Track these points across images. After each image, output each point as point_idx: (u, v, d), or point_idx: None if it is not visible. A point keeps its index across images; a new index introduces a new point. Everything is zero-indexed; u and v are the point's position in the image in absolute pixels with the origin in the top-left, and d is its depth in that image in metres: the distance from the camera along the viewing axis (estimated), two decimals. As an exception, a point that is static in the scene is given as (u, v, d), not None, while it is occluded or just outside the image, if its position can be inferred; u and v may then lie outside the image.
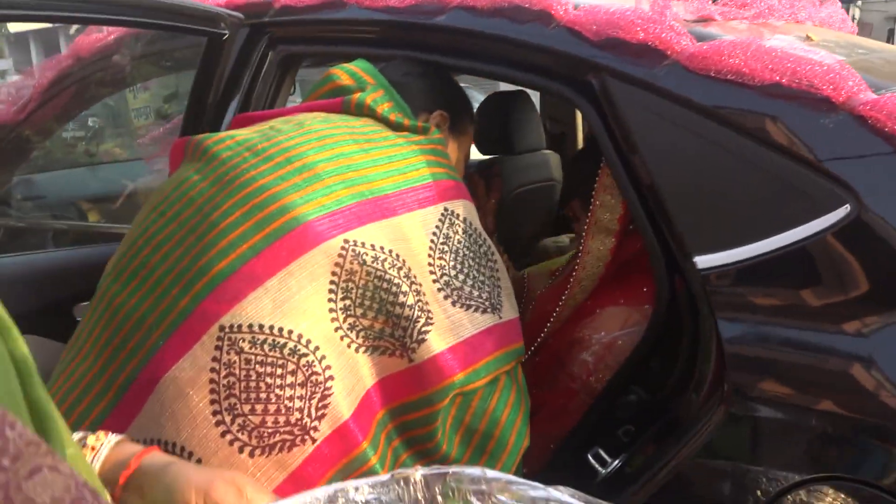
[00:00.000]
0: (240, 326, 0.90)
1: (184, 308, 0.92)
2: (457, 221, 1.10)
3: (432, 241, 1.05)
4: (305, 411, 0.90)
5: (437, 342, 0.99)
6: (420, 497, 0.59)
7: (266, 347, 0.89)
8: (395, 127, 1.15)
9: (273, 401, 0.89)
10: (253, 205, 0.95)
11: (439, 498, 0.59)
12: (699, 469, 0.99)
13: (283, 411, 0.89)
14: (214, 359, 0.89)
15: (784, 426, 0.94)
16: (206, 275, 0.92)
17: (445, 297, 1.03)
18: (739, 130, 0.99)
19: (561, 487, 0.58)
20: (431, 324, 0.99)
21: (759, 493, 0.94)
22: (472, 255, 1.10)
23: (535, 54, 1.19)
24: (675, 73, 1.04)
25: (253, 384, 0.89)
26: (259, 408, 0.89)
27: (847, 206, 0.92)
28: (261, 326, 0.90)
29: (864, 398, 0.89)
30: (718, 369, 0.99)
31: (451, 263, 1.06)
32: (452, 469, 0.59)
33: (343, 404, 0.93)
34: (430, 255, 1.04)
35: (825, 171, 0.94)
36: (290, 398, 0.90)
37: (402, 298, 0.96)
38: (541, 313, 1.44)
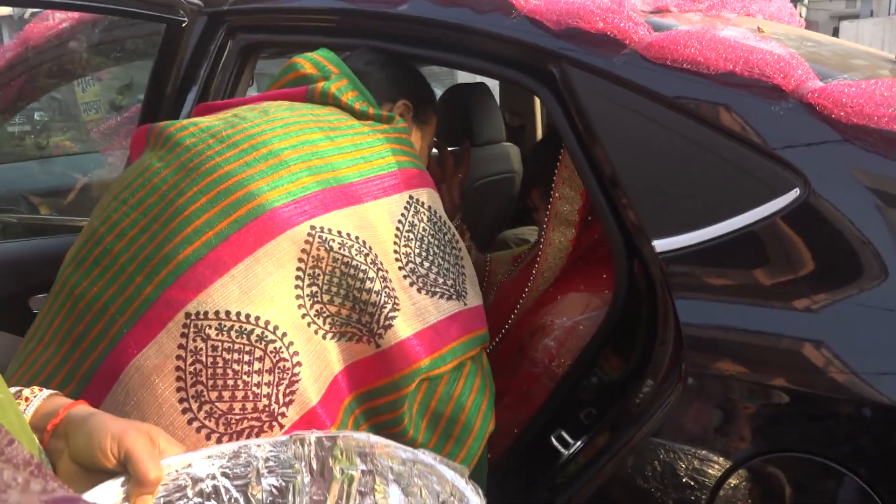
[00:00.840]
0: (206, 313, 0.89)
1: (148, 295, 0.91)
2: (421, 209, 1.11)
3: (398, 228, 1.06)
4: (273, 397, 0.90)
5: (403, 328, 1.00)
6: (313, 455, 0.67)
7: (233, 334, 0.89)
8: (360, 116, 1.15)
9: (240, 387, 0.89)
10: (218, 191, 0.95)
11: (329, 459, 0.67)
12: (658, 448, 1.01)
13: (251, 398, 0.89)
14: (181, 346, 0.89)
15: (738, 404, 0.98)
16: (172, 262, 0.92)
17: (411, 284, 1.04)
18: (695, 117, 1.02)
19: (426, 451, 0.69)
20: (398, 310, 1.00)
21: (715, 468, 0.97)
22: (436, 242, 1.11)
23: (496, 44, 1.20)
24: (632, 62, 1.07)
25: (220, 371, 0.88)
26: (226, 395, 0.89)
27: (797, 189, 0.96)
28: (227, 313, 0.90)
29: (814, 375, 0.93)
30: (676, 351, 1.02)
31: (417, 251, 1.07)
32: (343, 433, 0.69)
33: (311, 390, 0.94)
34: (395, 243, 1.05)
35: (776, 157, 0.97)
36: (258, 384, 0.90)
37: (368, 285, 0.97)
38: (504, 303, 1.46)
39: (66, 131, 2.78)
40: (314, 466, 0.67)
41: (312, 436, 0.68)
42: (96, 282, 0.95)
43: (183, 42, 1.47)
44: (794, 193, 0.96)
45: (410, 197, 1.10)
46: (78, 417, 0.62)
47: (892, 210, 0.93)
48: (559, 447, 1.16)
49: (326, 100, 1.15)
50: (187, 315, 0.90)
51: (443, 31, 1.26)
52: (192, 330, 0.89)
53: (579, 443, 1.15)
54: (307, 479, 0.67)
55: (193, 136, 1.02)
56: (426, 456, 0.69)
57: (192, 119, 1.09)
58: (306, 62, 1.22)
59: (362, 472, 0.68)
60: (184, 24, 1.44)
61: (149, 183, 0.99)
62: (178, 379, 0.88)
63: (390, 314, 0.99)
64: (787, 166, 0.97)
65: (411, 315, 1.02)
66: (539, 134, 2.74)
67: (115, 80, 2.39)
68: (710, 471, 0.98)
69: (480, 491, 0.68)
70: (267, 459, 0.66)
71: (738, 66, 1.01)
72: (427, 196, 1.13)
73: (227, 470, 0.64)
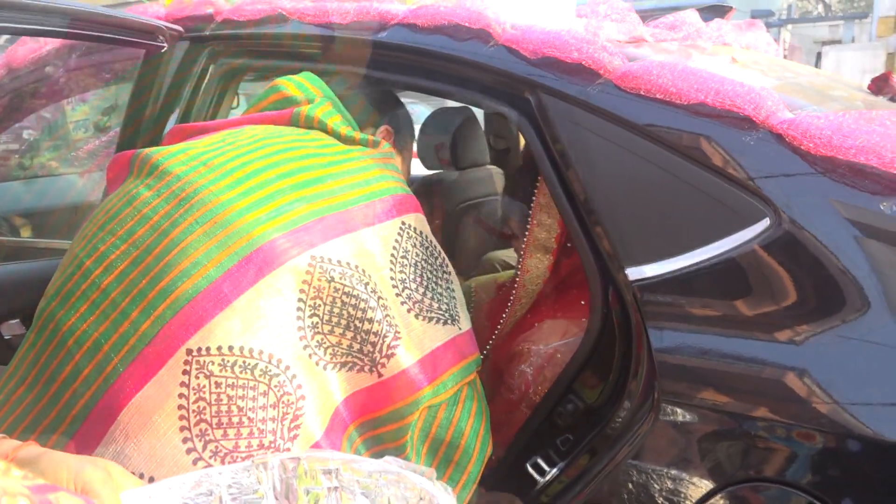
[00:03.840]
0: (208, 349, 0.87)
1: (146, 331, 0.88)
2: (413, 234, 1.10)
3: (393, 255, 1.05)
4: (278, 433, 0.89)
5: (405, 357, 1.00)
6: (277, 478, 0.67)
7: (237, 370, 0.87)
8: (346, 140, 1.14)
9: (245, 424, 0.87)
10: (216, 222, 0.92)
11: (294, 480, 0.68)
12: (631, 475, 1.01)
13: (256, 434, 0.88)
14: (183, 384, 0.86)
15: (710, 432, 0.98)
16: (169, 296, 0.89)
17: (409, 311, 1.04)
18: (667, 147, 1.03)
19: (389, 458, 0.69)
20: (399, 338, 1.00)
21: (687, 496, 0.97)
22: (429, 267, 1.11)
23: (474, 71, 1.22)
24: (607, 91, 1.08)
25: (224, 408, 0.86)
26: (231, 432, 0.87)
27: (767, 219, 0.97)
28: (230, 348, 0.87)
29: (785, 402, 0.93)
30: (649, 378, 1.02)
31: (412, 276, 1.06)
32: (306, 453, 0.69)
33: (315, 423, 0.92)
34: (391, 269, 1.04)
35: (747, 187, 0.98)
36: (263, 420, 0.88)
37: (370, 314, 0.96)
38: (481, 328, 1.46)
39: (54, 150, 2.77)
40: (278, 488, 0.67)
41: (275, 459, 0.68)
42: (86, 317, 0.91)
43: (162, 67, 1.48)
44: (764, 223, 0.97)
45: (403, 223, 1.09)
46: (29, 457, 0.61)
47: (862, 240, 0.94)
48: (535, 474, 1.15)
49: (311, 124, 1.14)
50: (188, 351, 0.87)
51: (422, 58, 1.27)
52: (194, 366, 0.87)
53: (555, 470, 1.14)
54: (272, 502, 0.67)
55: (183, 164, 0.99)
56: (392, 465, 0.69)
57: (180, 145, 1.07)
58: (290, 84, 1.22)
59: (328, 489, 0.68)
60: (163, 50, 1.44)
61: (138, 213, 0.96)
62: (182, 418, 0.86)
63: (392, 343, 0.98)
64: (758, 196, 0.98)
65: (412, 343, 1.02)
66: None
67: (101, 101, 2.40)
68: (682, 500, 0.98)
69: (450, 489, 0.68)
70: (230, 486, 0.66)
71: (710, 97, 1.02)
72: (416, 220, 1.13)
73: (189, 500, 0.64)
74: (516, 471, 1.19)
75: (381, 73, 1.34)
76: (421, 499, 0.68)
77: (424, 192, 2.33)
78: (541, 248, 1.32)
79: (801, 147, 0.97)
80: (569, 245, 1.36)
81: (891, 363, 0.90)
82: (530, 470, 1.16)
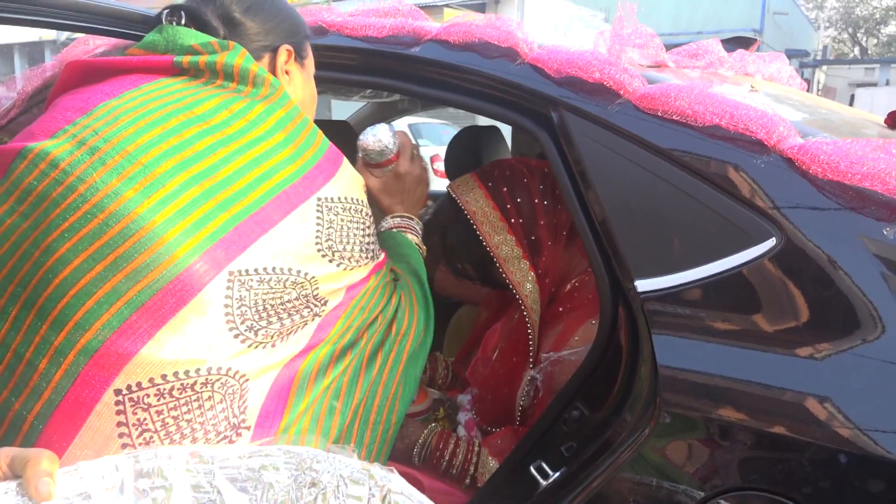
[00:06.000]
0: (139, 384, 0.82)
1: (60, 383, 0.81)
2: (333, 205, 1.03)
3: (318, 233, 1.00)
4: (231, 413, 0.89)
5: (333, 299, 1.01)
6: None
7: (175, 393, 0.83)
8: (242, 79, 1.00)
9: (198, 429, 0.85)
10: (118, 255, 0.82)
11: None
12: (628, 483, 1.05)
13: (211, 429, 0.87)
14: (120, 423, 0.81)
15: (711, 443, 1.01)
16: (78, 342, 0.81)
17: (338, 265, 1.02)
18: (682, 166, 1.08)
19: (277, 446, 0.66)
20: (335, 290, 1.01)
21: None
22: (354, 225, 1.06)
23: (500, 87, 1.28)
24: (626, 111, 1.13)
25: (173, 428, 0.83)
26: (186, 442, 0.85)
27: (773, 239, 1.01)
28: (164, 377, 0.83)
29: (784, 415, 0.96)
30: (652, 389, 1.05)
31: (338, 239, 1.02)
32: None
33: (261, 391, 0.92)
34: (318, 244, 0.99)
35: (756, 207, 1.03)
36: (214, 416, 0.87)
37: (294, 298, 0.95)
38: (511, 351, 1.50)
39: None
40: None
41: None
42: None
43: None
44: (770, 242, 1.01)
45: (318, 199, 1.01)
46: None
47: (864, 262, 0.98)
48: (538, 477, 1.19)
49: (216, 74, 0.99)
50: (117, 392, 0.81)
51: (452, 73, 1.33)
52: (128, 405, 0.81)
53: (557, 475, 1.18)
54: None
55: (45, 175, 0.85)
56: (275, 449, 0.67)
57: (37, 140, 0.89)
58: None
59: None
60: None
61: (6, 240, 0.85)
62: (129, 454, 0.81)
63: (322, 309, 1.00)
64: (766, 216, 1.02)
65: (339, 289, 1.03)
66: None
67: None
68: (679, 506, 1.01)
69: (346, 447, 0.68)
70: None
71: (724, 120, 1.07)
72: (335, 188, 1.04)
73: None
74: (520, 472, 1.23)
75: (412, 86, 1.41)
76: (312, 469, 0.66)
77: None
78: (513, 260, 1.38)
79: (810, 171, 1.01)
80: (534, 238, 1.41)
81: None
82: (533, 472, 1.19)
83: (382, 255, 1.17)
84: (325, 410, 1.01)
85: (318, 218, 1.00)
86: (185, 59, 1.00)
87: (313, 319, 0.99)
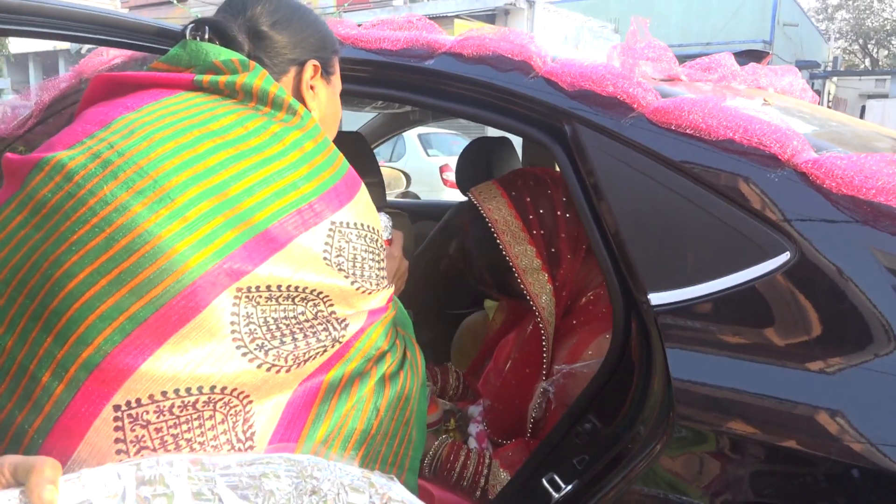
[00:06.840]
0: (139, 400, 0.80)
1: (60, 397, 0.80)
2: (346, 230, 1.00)
3: (325, 258, 0.97)
4: (234, 437, 0.87)
5: (354, 323, 0.99)
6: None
7: (176, 410, 0.82)
8: (276, 106, 1.00)
9: (198, 449, 0.84)
10: (124, 269, 0.82)
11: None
12: (641, 496, 1.05)
13: (210, 450, 0.84)
14: (118, 440, 0.80)
15: (719, 456, 1.01)
16: (80, 357, 0.80)
17: (352, 283, 1.00)
18: (695, 180, 1.08)
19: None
20: (347, 322, 0.99)
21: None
22: (366, 251, 1.04)
23: (514, 100, 1.28)
24: (639, 124, 1.14)
25: (171, 447, 0.82)
26: None
27: (787, 253, 1.01)
28: (164, 393, 0.81)
29: (796, 429, 0.96)
30: (665, 402, 1.05)
31: (350, 263, 1.00)
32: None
33: (271, 415, 0.90)
34: (326, 261, 0.97)
35: (770, 221, 1.03)
36: (216, 436, 0.85)
37: (311, 318, 0.94)
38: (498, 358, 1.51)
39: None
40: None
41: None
42: None
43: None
44: (784, 256, 1.01)
45: (332, 223, 0.98)
46: None
47: (878, 277, 0.98)
48: (550, 490, 1.19)
49: (235, 93, 0.98)
50: (116, 408, 0.80)
51: (466, 86, 1.35)
52: (126, 421, 0.80)
53: (570, 487, 1.18)
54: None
55: (60, 188, 0.85)
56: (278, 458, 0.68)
57: (55, 152, 0.89)
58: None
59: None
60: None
61: (18, 251, 0.85)
62: (131, 462, 0.79)
63: (342, 333, 0.98)
64: (780, 230, 1.02)
65: (361, 313, 1.02)
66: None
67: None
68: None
69: (342, 456, 0.68)
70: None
71: (738, 135, 1.08)
72: (349, 213, 1.01)
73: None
74: (532, 485, 1.23)
75: (426, 98, 1.42)
76: (312, 476, 0.66)
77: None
78: (532, 272, 1.39)
79: (824, 186, 1.02)
80: (553, 251, 1.41)
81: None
82: (545, 484, 1.19)
83: (392, 287, 1.14)
84: (344, 434, 0.99)
85: (328, 239, 0.97)
86: (206, 79, 1.00)
87: (333, 346, 0.97)
